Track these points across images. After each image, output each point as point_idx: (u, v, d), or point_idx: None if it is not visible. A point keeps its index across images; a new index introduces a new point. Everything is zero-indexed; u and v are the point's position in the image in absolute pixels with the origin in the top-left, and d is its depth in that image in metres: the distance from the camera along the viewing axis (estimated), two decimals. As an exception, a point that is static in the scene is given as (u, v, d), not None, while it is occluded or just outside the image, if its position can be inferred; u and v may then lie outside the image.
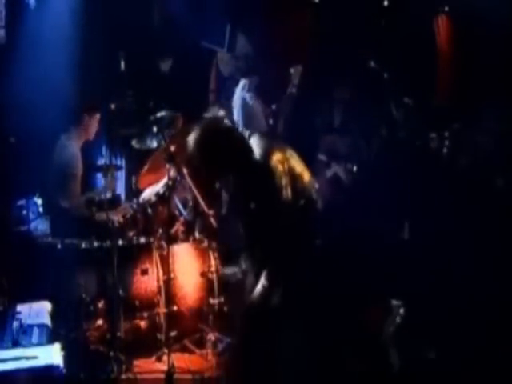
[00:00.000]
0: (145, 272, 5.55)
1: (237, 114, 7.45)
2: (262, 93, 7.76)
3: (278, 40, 8.62)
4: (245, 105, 7.37)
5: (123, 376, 5.13)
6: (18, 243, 5.69)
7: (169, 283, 5.46)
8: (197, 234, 6.02)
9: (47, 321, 4.19)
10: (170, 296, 5.48)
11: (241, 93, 7.48)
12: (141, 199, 6.05)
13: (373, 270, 5.57)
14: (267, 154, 4.14)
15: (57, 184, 5.97)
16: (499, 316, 5.30)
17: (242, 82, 7.51)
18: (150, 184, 6.19)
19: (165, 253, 5.52)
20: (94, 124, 6.24)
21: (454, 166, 6.90)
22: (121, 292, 5.31)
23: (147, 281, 5.54)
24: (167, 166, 5.59)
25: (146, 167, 6.15)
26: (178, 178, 5.88)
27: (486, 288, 5.46)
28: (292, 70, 7.48)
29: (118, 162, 7.16)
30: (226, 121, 6.40)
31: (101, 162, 5.67)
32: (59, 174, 5.95)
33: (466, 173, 6.70)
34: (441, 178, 6.71)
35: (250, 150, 4.15)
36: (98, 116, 6.26)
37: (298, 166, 4.29)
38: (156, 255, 5.61)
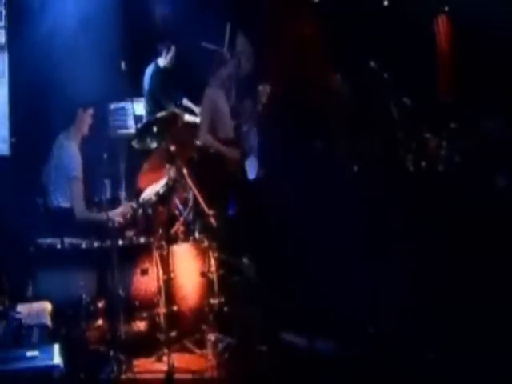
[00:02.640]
0: (145, 272, 5.54)
1: (205, 115, 7.39)
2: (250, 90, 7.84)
3: (277, 40, 8.62)
4: (215, 106, 7.34)
5: (123, 376, 5.12)
6: (18, 243, 5.68)
7: (169, 283, 5.46)
8: (197, 234, 6.02)
9: (47, 321, 4.19)
10: (170, 296, 5.48)
11: (212, 91, 7.42)
12: (141, 199, 6.04)
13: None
14: None
15: (58, 186, 5.95)
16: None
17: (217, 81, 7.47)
18: (151, 183, 6.18)
19: (165, 253, 5.52)
20: (87, 119, 6.15)
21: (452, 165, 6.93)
22: (121, 292, 5.30)
23: (147, 281, 5.54)
24: (167, 166, 5.59)
25: (146, 166, 6.16)
26: (178, 177, 5.87)
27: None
28: (260, 88, 7.50)
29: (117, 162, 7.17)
30: None
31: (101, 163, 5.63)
32: (60, 176, 5.93)
33: (464, 172, 6.72)
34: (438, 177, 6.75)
35: None
36: (91, 111, 6.18)
37: None
38: (156, 255, 5.60)
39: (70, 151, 5.99)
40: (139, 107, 8.27)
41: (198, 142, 7.18)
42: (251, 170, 7.93)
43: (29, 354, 3.62)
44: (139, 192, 6.21)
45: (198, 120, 7.96)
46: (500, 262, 5.76)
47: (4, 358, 3.59)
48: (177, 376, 5.09)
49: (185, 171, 5.83)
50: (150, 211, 5.85)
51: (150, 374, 5.26)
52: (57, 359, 3.62)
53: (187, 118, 7.95)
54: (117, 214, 5.80)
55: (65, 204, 5.94)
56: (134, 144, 6.24)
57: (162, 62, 8.26)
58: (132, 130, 7.71)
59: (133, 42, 7.97)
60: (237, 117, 7.69)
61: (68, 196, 5.93)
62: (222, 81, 7.43)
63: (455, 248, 5.98)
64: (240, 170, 7.58)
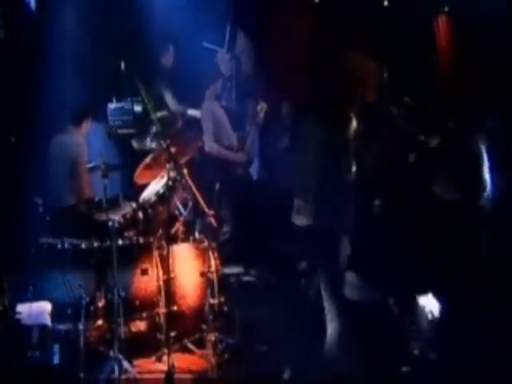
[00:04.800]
0: (145, 272, 5.55)
1: (207, 126, 7.45)
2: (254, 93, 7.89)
3: (278, 40, 8.63)
4: (213, 117, 7.43)
5: (123, 376, 5.12)
6: (18, 243, 5.68)
7: (169, 283, 5.47)
8: (197, 234, 6.02)
9: (47, 321, 4.20)
10: (170, 296, 5.48)
11: (209, 103, 7.52)
12: (141, 199, 6.04)
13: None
14: None
15: (60, 181, 5.96)
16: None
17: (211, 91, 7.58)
18: (147, 179, 6.17)
19: (165, 253, 5.52)
20: (87, 126, 6.32)
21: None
22: (121, 292, 5.31)
23: (147, 281, 5.54)
24: (167, 166, 5.59)
25: (144, 163, 6.15)
26: (178, 177, 5.87)
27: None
28: (258, 108, 7.61)
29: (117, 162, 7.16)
30: None
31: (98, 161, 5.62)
32: (68, 164, 5.95)
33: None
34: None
35: None
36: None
37: None
38: (156, 255, 5.61)
39: (75, 139, 6.05)
40: (139, 107, 8.26)
41: (206, 150, 7.28)
42: (253, 172, 8.01)
43: (29, 353, 3.63)
44: (136, 188, 6.20)
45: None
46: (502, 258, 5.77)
47: (4, 358, 3.60)
48: (177, 376, 5.09)
49: (185, 171, 5.83)
50: (149, 211, 5.85)
51: (150, 374, 5.27)
52: (57, 359, 3.63)
53: (190, 112, 7.98)
54: (117, 214, 5.79)
55: (68, 200, 5.93)
56: (134, 144, 6.24)
57: (163, 60, 8.29)
58: (131, 130, 7.71)
59: (132, 41, 7.96)
60: (238, 122, 7.77)
61: (72, 189, 5.94)
62: (215, 94, 7.58)
63: (459, 245, 5.97)
64: (247, 173, 7.67)
